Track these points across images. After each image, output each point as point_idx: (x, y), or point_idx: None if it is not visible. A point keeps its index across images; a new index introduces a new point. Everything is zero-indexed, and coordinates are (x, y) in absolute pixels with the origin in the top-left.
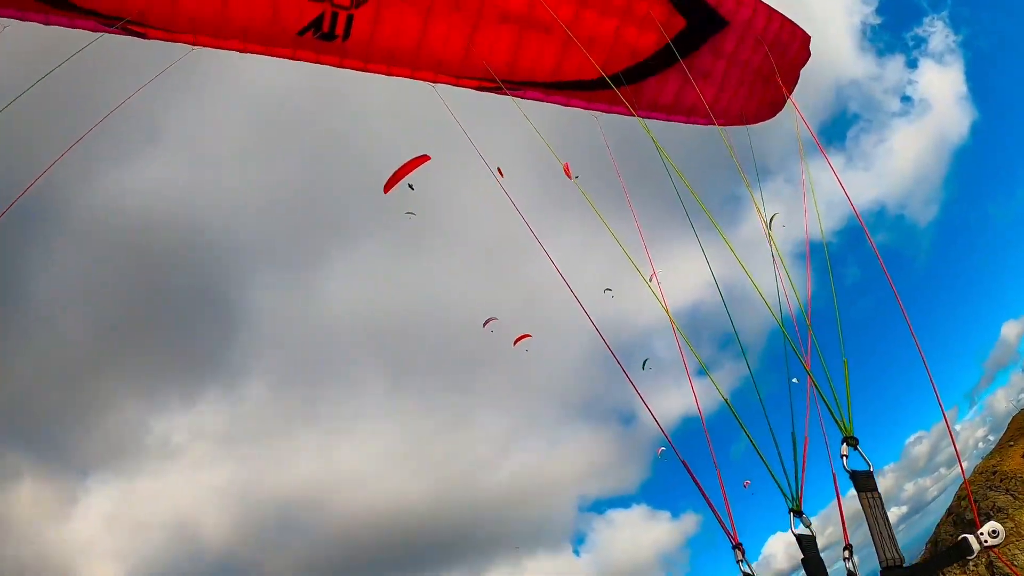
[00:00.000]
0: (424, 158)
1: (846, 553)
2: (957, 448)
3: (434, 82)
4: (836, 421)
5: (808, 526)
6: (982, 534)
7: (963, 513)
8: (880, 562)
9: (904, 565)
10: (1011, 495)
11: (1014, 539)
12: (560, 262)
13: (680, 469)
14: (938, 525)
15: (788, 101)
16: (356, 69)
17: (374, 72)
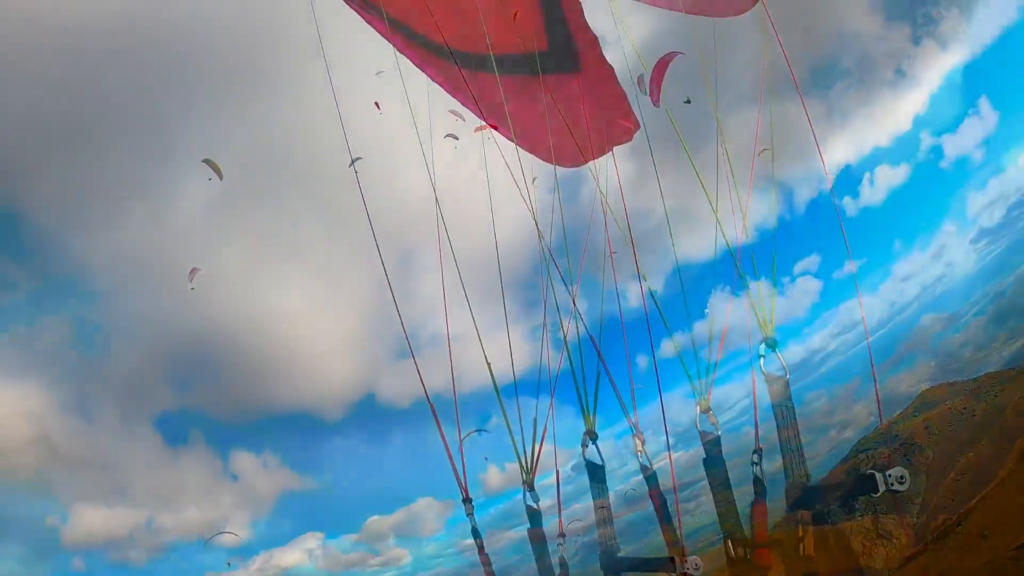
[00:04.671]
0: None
1: (755, 458)
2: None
3: None
4: (756, 317)
5: (715, 424)
6: (890, 475)
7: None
8: (787, 476)
9: (810, 483)
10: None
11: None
12: None
13: None
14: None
15: None
16: None
17: None
